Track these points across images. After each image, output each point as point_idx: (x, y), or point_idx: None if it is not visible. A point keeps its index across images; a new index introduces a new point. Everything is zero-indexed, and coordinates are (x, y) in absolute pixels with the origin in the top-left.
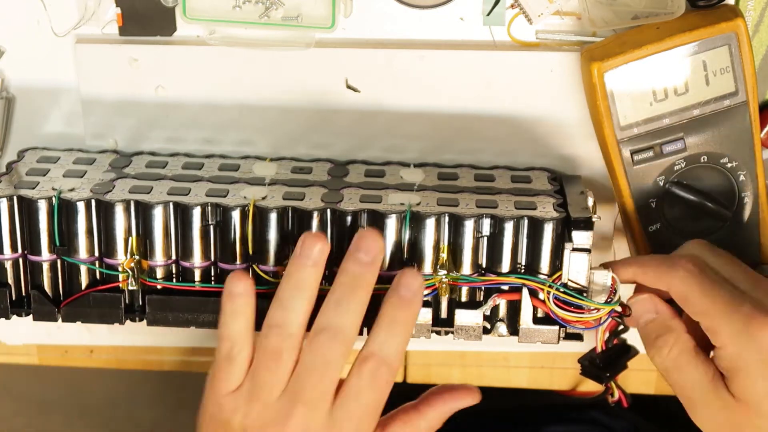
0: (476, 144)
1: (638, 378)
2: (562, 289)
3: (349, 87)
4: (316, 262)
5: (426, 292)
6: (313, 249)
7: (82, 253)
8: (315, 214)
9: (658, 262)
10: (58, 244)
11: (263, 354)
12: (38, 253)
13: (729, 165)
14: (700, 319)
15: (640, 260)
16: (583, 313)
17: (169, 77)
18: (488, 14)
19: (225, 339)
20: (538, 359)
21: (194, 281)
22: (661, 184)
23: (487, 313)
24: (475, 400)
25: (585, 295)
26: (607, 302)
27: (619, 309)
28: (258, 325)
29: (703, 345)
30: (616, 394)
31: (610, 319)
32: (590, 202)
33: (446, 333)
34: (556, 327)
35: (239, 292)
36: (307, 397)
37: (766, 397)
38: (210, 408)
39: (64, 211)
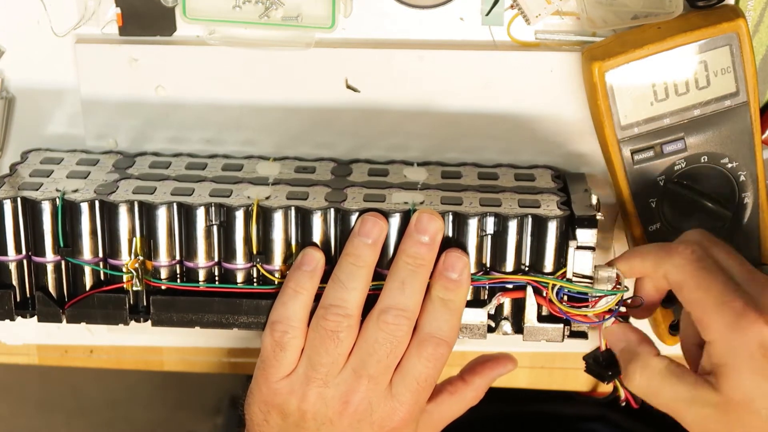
0: (479, 142)
1: None
2: (566, 282)
3: (349, 87)
4: (375, 241)
5: None
6: (374, 228)
7: (86, 254)
8: (319, 214)
9: (658, 248)
10: (62, 245)
11: (320, 335)
12: (42, 254)
13: (729, 165)
14: (692, 309)
15: (641, 250)
16: (587, 306)
17: (169, 77)
18: (487, 14)
19: (279, 322)
20: (539, 359)
21: (198, 281)
22: (662, 183)
23: (492, 311)
24: (515, 366)
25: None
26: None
27: (625, 291)
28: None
29: (696, 341)
30: (622, 393)
31: (613, 318)
32: (594, 199)
33: None
34: (561, 325)
35: (310, 269)
36: (371, 371)
37: (755, 393)
38: (263, 394)
39: (68, 212)
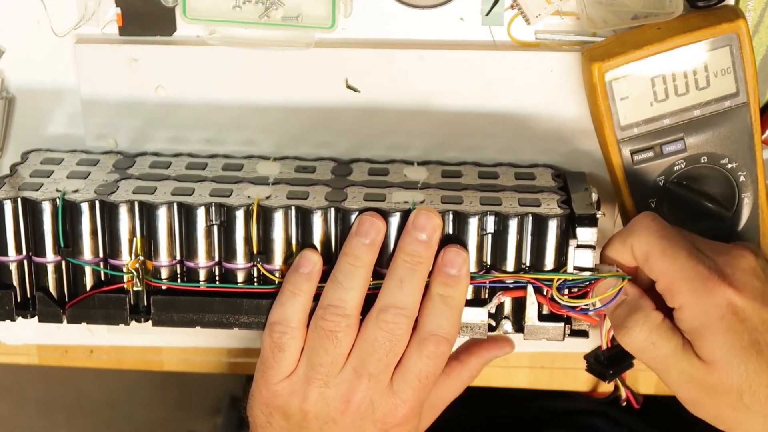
0: (479, 141)
1: (638, 378)
2: (569, 274)
3: (349, 87)
4: (372, 241)
5: None
6: (371, 228)
7: (87, 254)
8: (319, 213)
9: (620, 231)
10: (62, 245)
11: (319, 335)
12: (43, 254)
13: (729, 166)
14: (660, 277)
15: (607, 242)
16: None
17: (169, 77)
18: (487, 14)
19: (278, 323)
20: (538, 359)
21: (199, 281)
22: (661, 184)
23: (492, 310)
24: (512, 349)
25: (590, 295)
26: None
27: (629, 278)
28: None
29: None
30: (624, 393)
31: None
32: (594, 198)
33: None
34: (561, 324)
35: (307, 271)
36: (371, 370)
37: (730, 352)
38: (264, 396)
39: (68, 212)
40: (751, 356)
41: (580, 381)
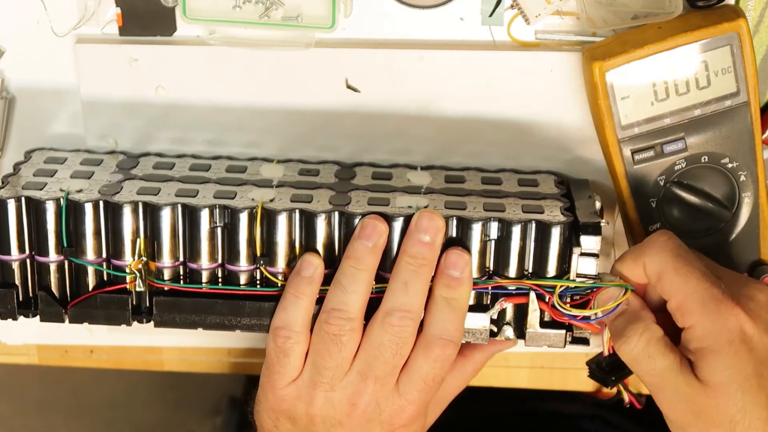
0: (481, 146)
1: (639, 381)
2: (571, 284)
3: (349, 87)
4: (375, 244)
5: None
6: (374, 232)
7: (90, 254)
8: (323, 217)
9: (633, 248)
10: (65, 245)
11: (323, 339)
12: (45, 254)
13: (730, 165)
14: (673, 296)
15: (619, 258)
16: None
17: (169, 77)
18: (490, 15)
19: (281, 328)
20: (538, 359)
21: (201, 283)
22: (662, 183)
23: (494, 316)
24: (515, 343)
25: (592, 305)
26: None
27: (632, 288)
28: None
29: (669, 336)
30: (626, 397)
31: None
32: (597, 206)
33: None
34: (563, 331)
35: (309, 274)
36: (377, 373)
37: (731, 378)
38: (270, 402)
39: (71, 212)
40: (751, 386)
41: (580, 381)
